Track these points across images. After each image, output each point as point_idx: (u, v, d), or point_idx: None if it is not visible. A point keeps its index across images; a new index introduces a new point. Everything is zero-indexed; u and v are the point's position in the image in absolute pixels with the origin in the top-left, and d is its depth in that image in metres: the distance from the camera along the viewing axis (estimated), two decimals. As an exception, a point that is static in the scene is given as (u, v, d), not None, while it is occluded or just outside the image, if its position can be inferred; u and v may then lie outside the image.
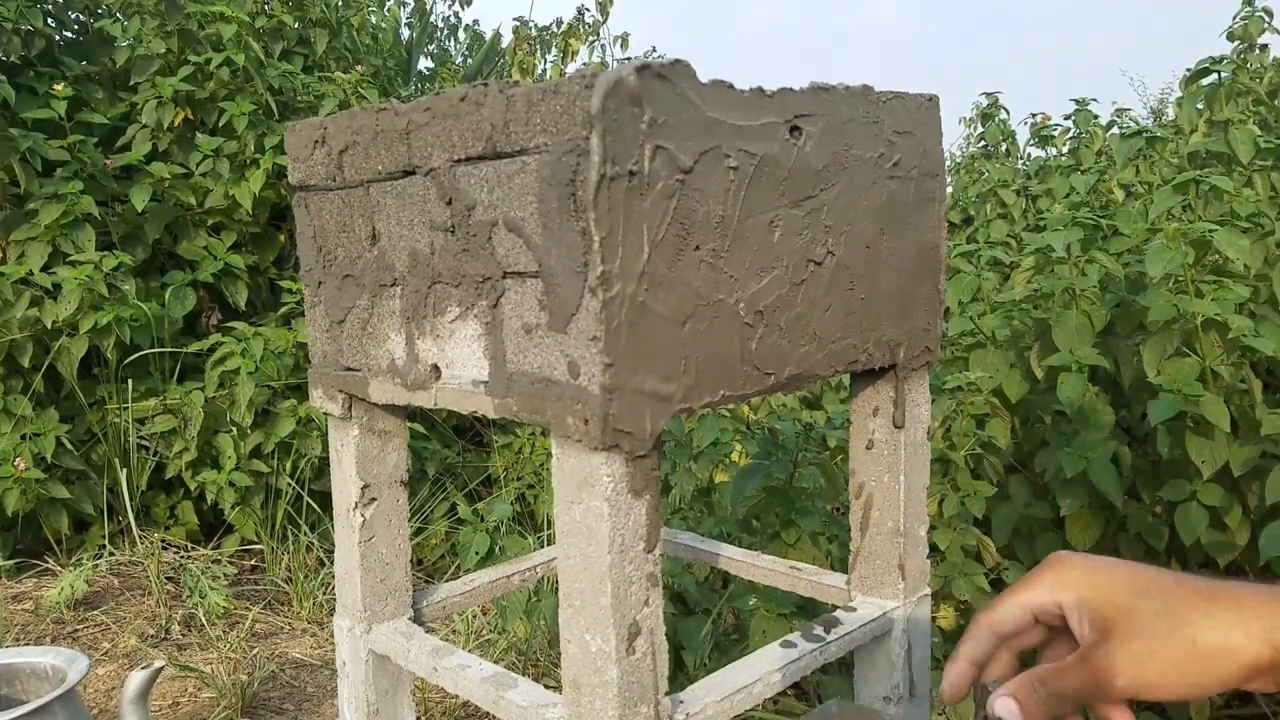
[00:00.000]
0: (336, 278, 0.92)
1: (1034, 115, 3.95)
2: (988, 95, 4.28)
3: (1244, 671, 0.54)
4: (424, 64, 5.48)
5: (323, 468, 2.83)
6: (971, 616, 1.69)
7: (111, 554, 2.78)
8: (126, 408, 2.82)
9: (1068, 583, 0.60)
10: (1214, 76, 2.52)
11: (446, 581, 1.14)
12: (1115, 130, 3.62)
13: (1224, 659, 0.54)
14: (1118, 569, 0.60)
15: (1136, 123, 3.96)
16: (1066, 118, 3.71)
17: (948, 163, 3.03)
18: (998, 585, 1.78)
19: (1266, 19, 3.15)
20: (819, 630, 0.93)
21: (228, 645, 2.30)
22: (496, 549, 2.07)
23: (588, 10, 5.30)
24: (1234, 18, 3.20)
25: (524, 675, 1.02)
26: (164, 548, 2.76)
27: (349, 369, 0.93)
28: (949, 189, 4.04)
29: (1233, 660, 0.54)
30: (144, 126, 3.12)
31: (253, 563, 2.87)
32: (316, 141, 0.91)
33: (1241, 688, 0.56)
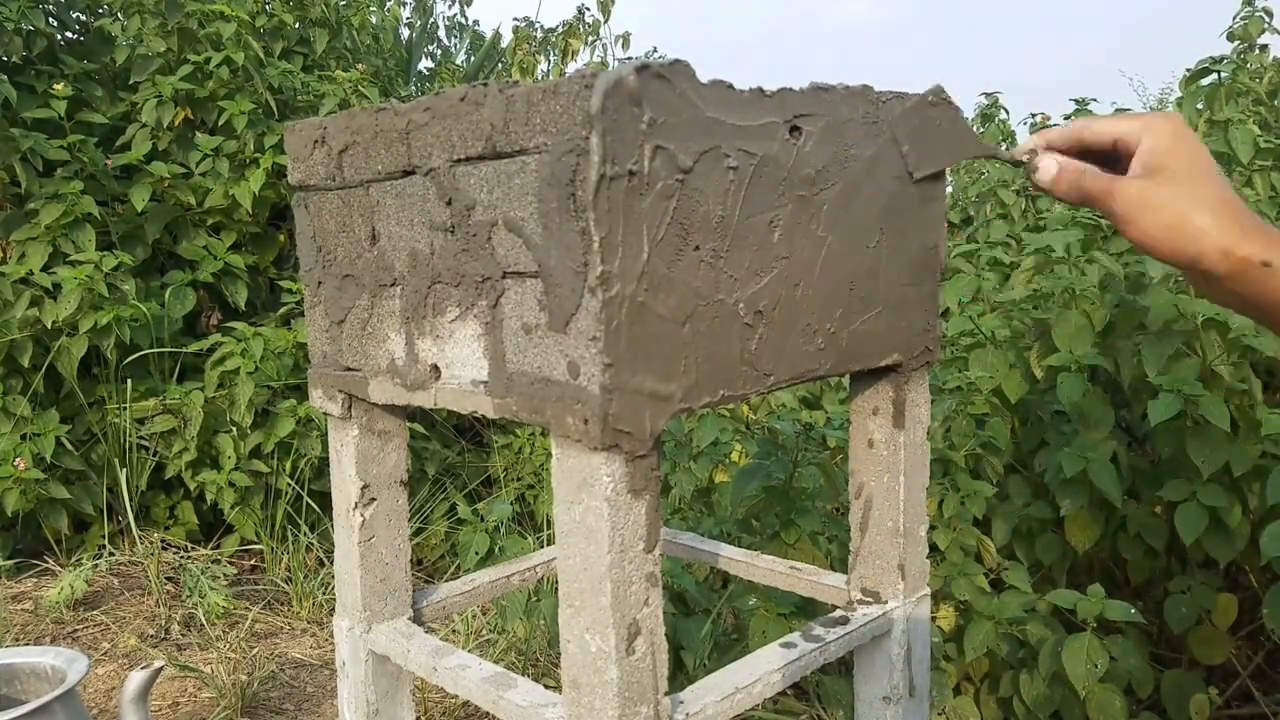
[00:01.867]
0: (336, 278, 0.92)
1: (1034, 115, 3.95)
2: (987, 95, 4.28)
3: (1200, 263, 0.66)
4: (424, 64, 5.48)
5: (322, 468, 2.83)
6: (971, 616, 1.70)
7: (111, 554, 2.78)
8: (126, 408, 2.82)
9: (1156, 128, 0.71)
10: (1214, 76, 2.52)
11: (446, 581, 1.14)
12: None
13: (1193, 244, 0.66)
14: (1195, 149, 0.70)
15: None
16: (1066, 118, 3.71)
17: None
18: (997, 585, 1.78)
19: (1266, 19, 3.15)
20: (819, 630, 0.93)
21: (227, 645, 2.30)
22: (496, 549, 2.07)
23: (588, 10, 5.30)
24: (1234, 18, 3.20)
25: (524, 675, 1.02)
26: (164, 548, 2.76)
27: (349, 369, 0.93)
28: (949, 189, 4.04)
29: (1197, 248, 0.66)
30: (144, 126, 3.12)
31: (252, 563, 2.87)
32: (316, 141, 0.91)
33: (1194, 272, 0.68)
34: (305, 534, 2.75)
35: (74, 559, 2.75)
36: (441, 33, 5.98)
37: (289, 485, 2.79)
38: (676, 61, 0.67)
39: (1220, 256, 0.65)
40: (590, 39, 5.31)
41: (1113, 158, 0.74)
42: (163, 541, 2.80)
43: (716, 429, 2.14)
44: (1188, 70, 2.61)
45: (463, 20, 6.05)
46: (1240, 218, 0.66)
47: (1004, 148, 0.83)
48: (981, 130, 4.32)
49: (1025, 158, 0.78)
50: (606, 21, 5.29)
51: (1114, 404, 1.83)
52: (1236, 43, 3.21)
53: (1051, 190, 0.75)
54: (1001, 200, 3.30)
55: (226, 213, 3.17)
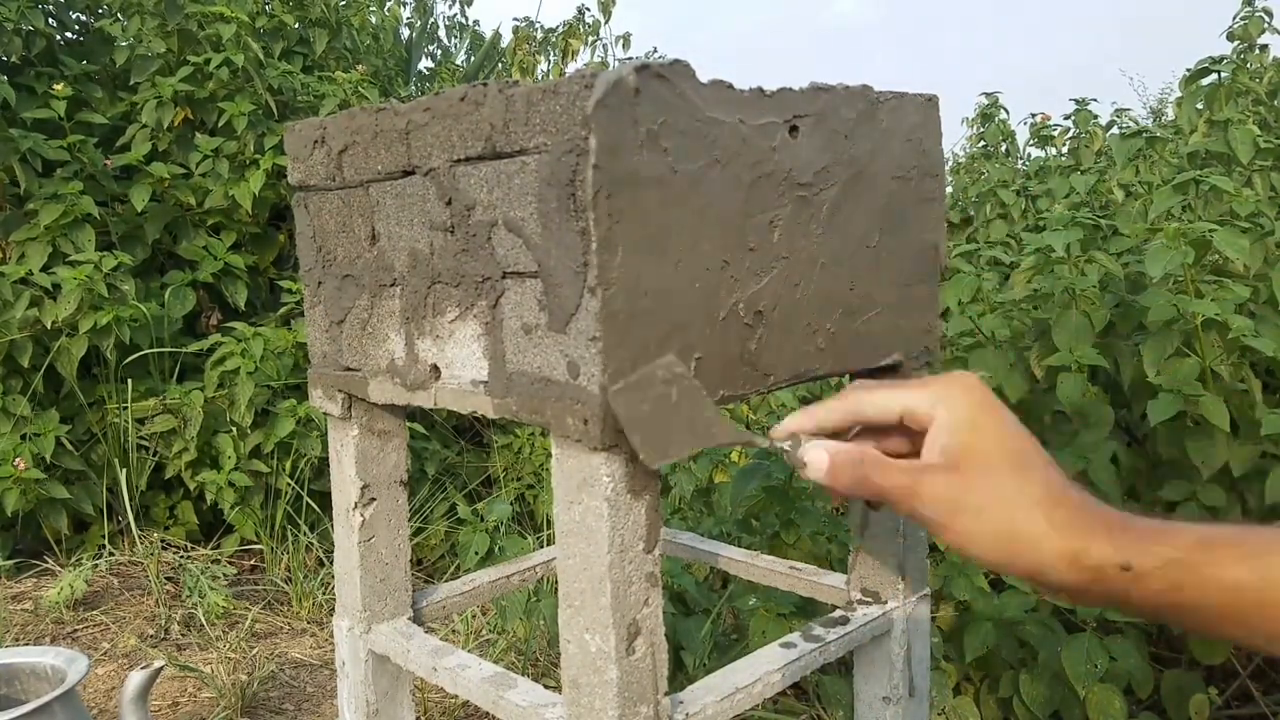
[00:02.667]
0: (336, 278, 0.92)
1: (1034, 115, 3.95)
2: (987, 95, 4.28)
3: (1044, 576, 0.54)
4: (424, 64, 5.48)
5: (322, 468, 2.83)
6: (971, 616, 1.69)
7: (111, 554, 2.78)
8: (126, 408, 2.81)
9: (954, 401, 0.58)
10: (1214, 76, 2.52)
11: (446, 581, 1.14)
12: (1115, 130, 3.62)
13: (1031, 552, 0.54)
14: (1008, 426, 0.57)
15: (1136, 123, 3.96)
16: (1066, 118, 3.71)
17: (948, 163, 3.03)
18: (997, 585, 1.78)
19: (1266, 19, 3.15)
20: (818, 630, 0.93)
21: (227, 645, 2.30)
22: (496, 549, 2.07)
23: (588, 10, 5.30)
24: (1234, 18, 3.20)
25: (523, 675, 1.02)
26: (163, 548, 2.76)
27: (348, 369, 0.93)
28: (949, 189, 4.04)
29: (1036, 557, 0.54)
30: (144, 126, 3.12)
31: (252, 563, 2.87)
32: (316, 141, 0.91)
33: (1036, 585, 0.56)
34: (305, 534, 2.75)
35: (74, 559, 2.75)
36: (441, 33, 5.98)
37: (289, 485, 2.79)
38: (676, 61, 0.67)
39: (1067, 566, 0.53)
40: (590, 39, 5.31)
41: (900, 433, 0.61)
42: (163, 541, 2.80)
43: (716, 429, 2.13)
44: (1188, 70, 2.61)
45: (463, 20, 6.05)
46: (1079, 512, 0.55)
47: (759, 433, 0.67)
48: (981, 130, 4.31)
49: (786, 445, 0.62)
50: (607, 22, 5.29)
51: (1114, 404, 1.83)
52: (1236, 43, 3.21)
53: (830, 486, 0.59)
54: (1001, 200, 3.30)
55: (226, 213, 3.17)
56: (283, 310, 3.15)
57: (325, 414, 0.98)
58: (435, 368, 0.82)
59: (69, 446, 2.79)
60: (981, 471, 0.55)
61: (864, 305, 0.85)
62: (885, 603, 0.97)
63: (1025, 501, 0.54)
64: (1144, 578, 0.52)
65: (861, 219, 0.83)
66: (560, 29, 5.27)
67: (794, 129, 0.76)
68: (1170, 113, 6.28)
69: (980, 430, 0.57)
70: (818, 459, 0.60)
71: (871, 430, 0.62)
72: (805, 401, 2.51)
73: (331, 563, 2.48)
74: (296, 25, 3.62)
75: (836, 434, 0.62)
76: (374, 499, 0.99)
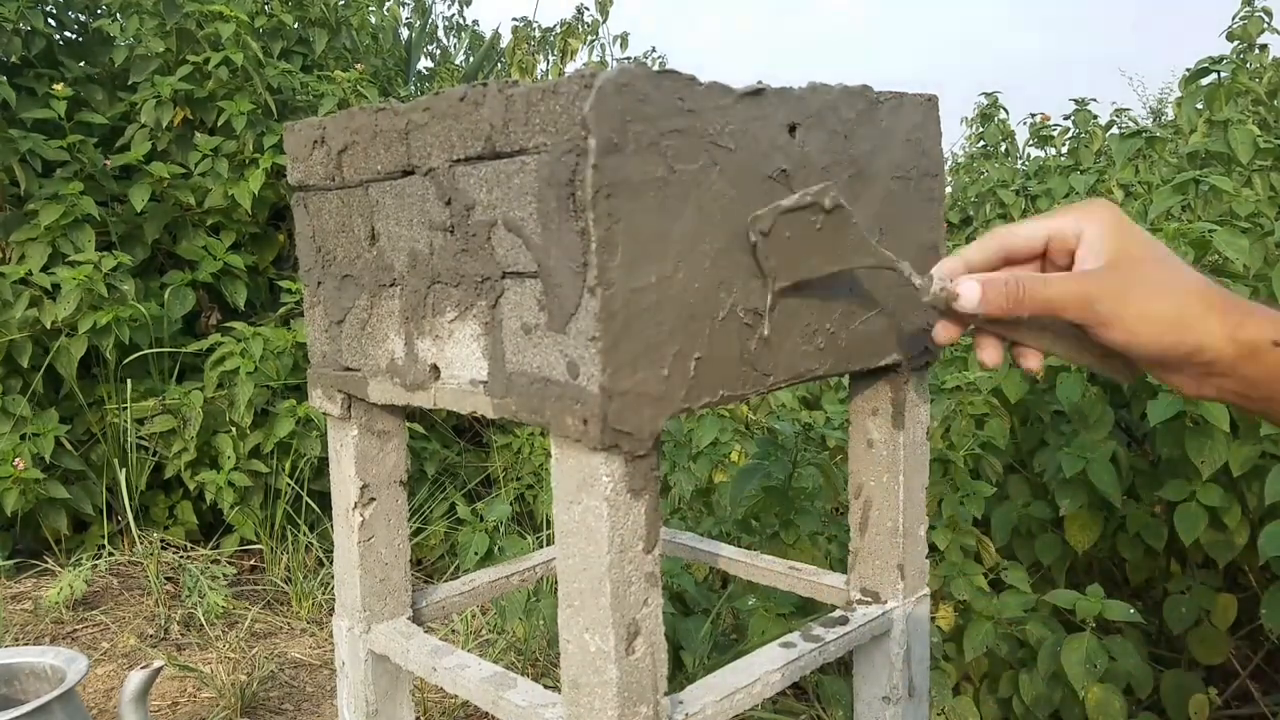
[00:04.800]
0: (335, 278, 0.92)
1: (1033, 115, 3.95)
2: (987, 95, 4.28)
3: (1201, 354, 0.59)
4: (423, 64, 5.48)
5: (322, 468, 2.83)
6: (971, 616, 1.70)
7: (110, 554, 2.78)
8: (125, 408, 2.81)
9: (1097, 217, 0.62)
10: (1213, 76, 2.52)
11: (446, 581, 1.14)
12: (1114, 130, 3.62)
13: (1193, 333, 0.59)
14: (1148, 236, 0.62)
15: (1136, 123, 3.97)
16: (1066, 118, 3.71)
17: (948, 163, 3.03)
18: (997, 585, 1.78)
19: (1266, 19, 3.15)
20: (818, 630, 0.93)
21: (227, 645, 2.30)
22: (495, 549, 2.07)
23: (587, 10, 5.29)
24: (1234, 18, 3.20)
25: (523, 675, 1.02)
26: (163, 548, 2.76)
27: (348, 369, 0.93)
28: (949, 189, 4.04)
29: (1197, 337, 0.59)
30: (143, 126, 3.12)
31: (252, 563, 2.87)
32: (315, 141, 0.91)
33: (1187, 363, 0.61)
34: (305, 534, 2.75)
35: (73, 559, 2.75)
36: (440, 33, 5.98)
37: (288, 485, 2.79)
38: (673, 71, 0.67)
39: (1226, 341, 0.59)
40: (589, 39, 5.31)
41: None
42: (162, 541, 2.80)
43: (716, 429, 2.14)
44: (1187, 70, 2.61)
45: (462, 20, 6.05)
46: (1229, 298, 0.60)
47: (908, 268, 0.71)
48: (981, 130, 4.32)
49: (938, 288, 0.66)
50: (605, 21, 5.29)
51: (1114, 404, 1.83)
52: (1236, 43, 3.21)
53: (984, 312, 0.64)
54: (1001, 200, 3.30)
55: (226, 213, 3.17)
56: (282, 310, 3.15)
57: (325, 414, 0.98)
58: (435, 368, 0.82)
59: (68, 446, 2.79)
60: (1140, 268, 0.61)
61: (864, 305, 0.85)
62: (885, 602, 0.97)
63: (1184, 289, 0.60)
64: None
65: (861, 219, 0.83)
66: (559, 29, 5.27)
67: (793, 129, 0.76)
68: (1170, 113, 6.28)
69: (1130, 237, 0.62)
70: (969, 289, 0.64)
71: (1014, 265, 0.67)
72: (805, 401, 2.51)
73: (331, 563, 2.48)
74: (295, 25, 3.62)
75: (975, 271, 0.67)
76: (373, 499, 0.99)
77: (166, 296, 2.98)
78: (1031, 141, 3.90)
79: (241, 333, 2.83)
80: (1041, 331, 0.67)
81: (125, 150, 3.11)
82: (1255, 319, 0.59)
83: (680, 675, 1.71)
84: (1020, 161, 4.28)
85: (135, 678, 1.42)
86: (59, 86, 3.00)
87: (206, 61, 3.12)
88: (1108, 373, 0.68)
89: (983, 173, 4.03)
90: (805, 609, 1.67)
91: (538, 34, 5.20)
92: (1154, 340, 0.60)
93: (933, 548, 1.73)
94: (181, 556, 2.73)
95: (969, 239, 3.19)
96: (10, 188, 2.90)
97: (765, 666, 0.86)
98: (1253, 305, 0.61)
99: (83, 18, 3.56)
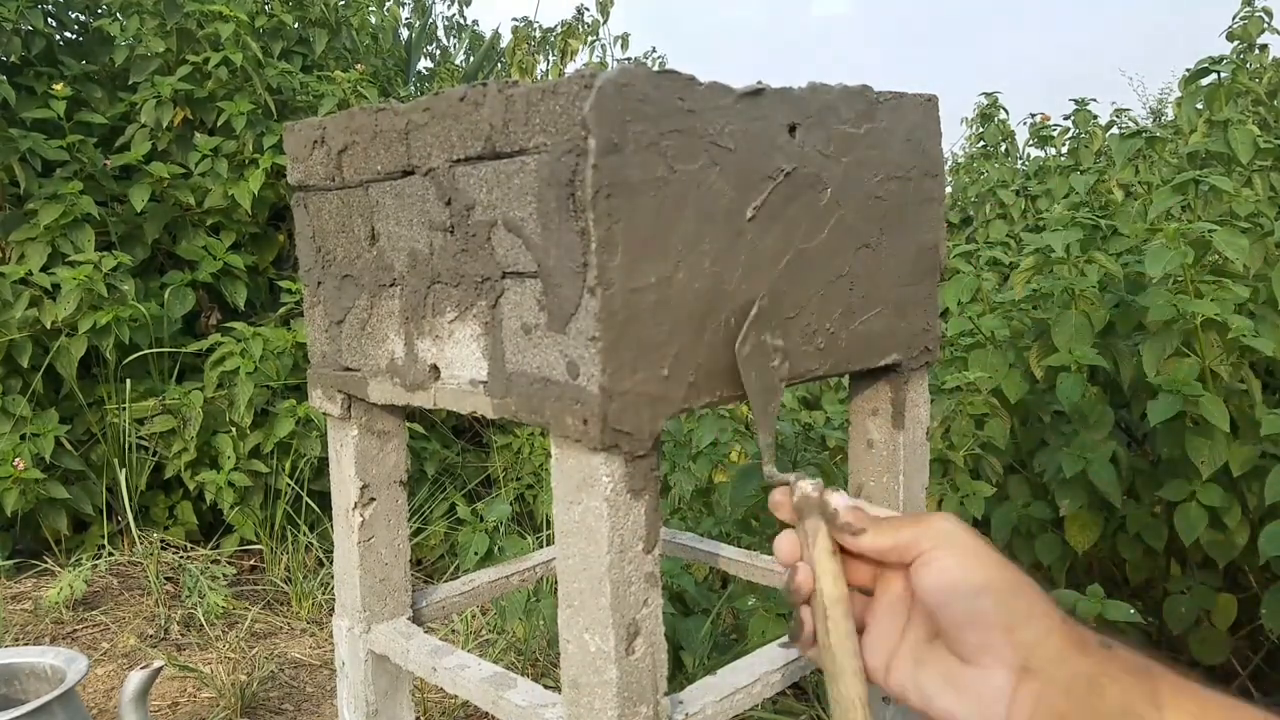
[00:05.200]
0: (335, 278, 0.92)
1: (1033, 115, 3.95)
2: (987, 95, 4.28)
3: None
4: (423, 64, 5.48)
5: (322, 468, 2.83)
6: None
7: (110, 554, 2.78)
8: (125, 408, 2.81)
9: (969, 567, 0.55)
10: (1213, 76, 2.52)
11: (446, 581, 1.14)
12: (1114, 130, 3.62)
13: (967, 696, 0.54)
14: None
15: (1136, 123, 3.97)
16: (1066, 118, 3.71)
17: (948, 163, 3.03)
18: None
19: (1266, 19, 3.15)
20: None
21: (227, 645, 2.30)
22: (495, 549, 2.07)
23: (587, 10, 5.29)
24: (1234, 18, 3.20)
25: (523, 675, 1.02)
26: (163, 548, 2.76)
27: (348, 369, 0.93)
28: (949, 189, 4.04)
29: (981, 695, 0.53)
30: (143, 126, 3.12)
31: (252, 563, 2.87)
32: (315, 141, 0.91)
33: None
34: (305, 534, 2.75)
35: (73, 559, 2.75)
36: (440, 33, 5.98)
37: (288, 485, 2.79)
38: (673, 71, 0.67)
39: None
40: (589, 39, 5.31)
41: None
42: (162, 541, 2.80)
43: (716, 429, 2.14)
44: (1187, 70, 2.61)
45: (462, 20, 6.05)
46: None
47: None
48: (981, 130, 4.32)
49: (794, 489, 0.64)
50: (605, 22, 5.28)
51: (1114, 404, 1.83)
52: (1236, 43, 3.21)
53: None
54: (1001, 200, 3.30)
55: (226, 213, 3.17)
56: (282, 310, 3.15)
57: (325, 414, 0.98)
58: (435, 368, 0.82)
59: (68, 446, 2.79)
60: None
61: (864, 305, 0.85)
62: (885, 603, 0.97)
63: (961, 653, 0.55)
64: None
65: (861, 218, 0.83)
66: (559, 29, 5.27)
67: (793, 129, 0.76)
68: (1170, 113, 6.28)
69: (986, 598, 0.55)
70: (814, 484, 0.63)
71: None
72: (805, 401, 2.51)
73: (331, 563, 2.48)
74: (295, 25, 3.62)
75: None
76: (373, 499, 0.99)
77: (166, 296, 2.98)
78: (1031, 141, 3.90)
79: (241, 333, 2.83)
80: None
81: (125, 150, 3.11)
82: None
83: (680, 675, 1.71)
84: (1020, 161, 4.28)
85: (135, 678, 1.42)
86: (59, 86, 3.00)
87: (206, 61, 3.12)
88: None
89: (983, 173, 4.03)
90: (805, 609, 1.66)
91: (538, 34, 5.20)
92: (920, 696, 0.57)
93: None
94: (181, 556, 2.73)
95: (969, 239, 3.20)
96: (10, 187, 2.90)
97: (765, 666, 0.86)
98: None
99: (83, 17, 3.56)
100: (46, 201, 2.83)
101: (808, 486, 0.63)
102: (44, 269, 2.79)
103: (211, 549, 2.83)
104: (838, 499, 0.62)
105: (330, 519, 1.02)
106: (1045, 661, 0.52)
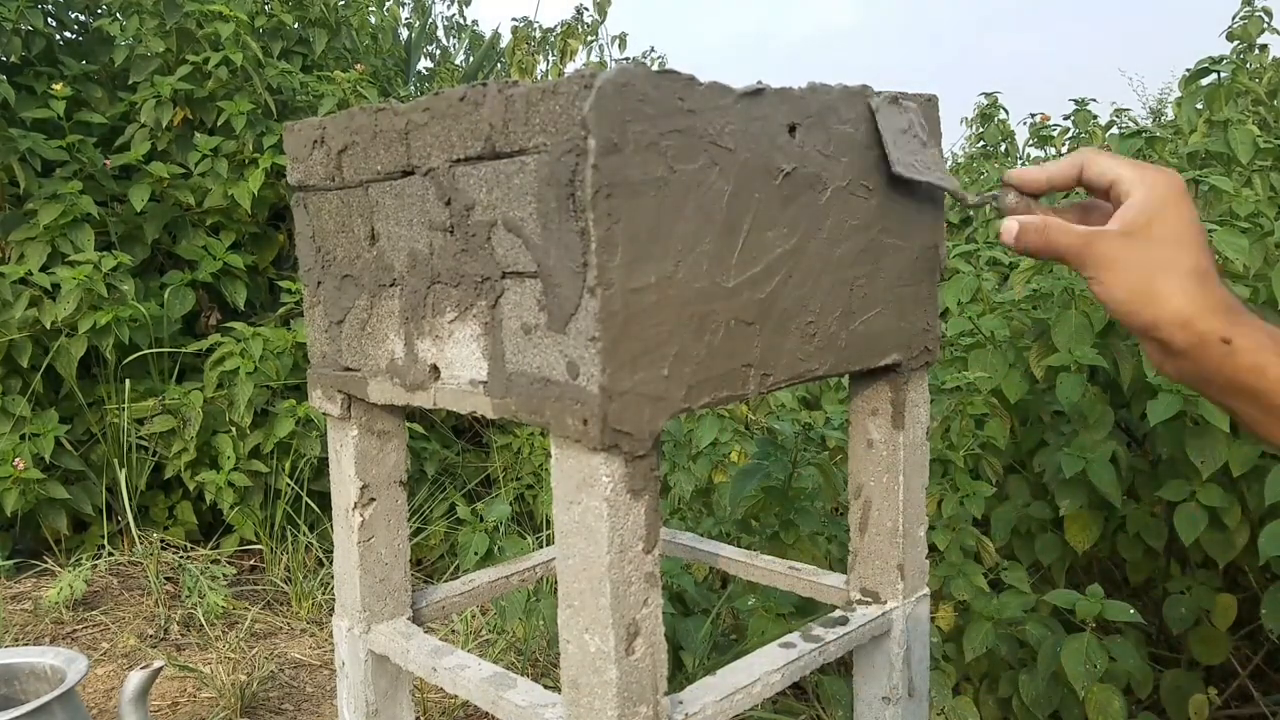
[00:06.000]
0: (335, 278, 0.92)
1: (1033, 115, 3.95)
2: (987, 95, 4.28)
3: (1157, 330, 0.64)
4: (423, 64, 5.48)
5: (322, 468, 2.83)
6: (971, 616, 1.70)
7: (110, 554, 2.78)
8: (125, 408, 2.81)
9: (1152, 185, 0.67)
10: (1213, 76, 2.52)
11: (445, 581, 1.14)
12: (1114, 130, 3.62)
13: (1154, 308, 0.64)
14: (1186, 220, 0.66)
15: (1136, 123, 3.96)
16: (1066, 118, 3.71)
17: (948, 163, 3.02)
18: (996, 585, 1.78)
19: (1266, 19, 3.15)
20: (818, 630, 0.93)
21: (227, 645, 2.30)
22: (495, 549, 2.07)
23: (586, 10, 5.29)
24: (1233, 18, 3.20)
25: (523, 675, 1.02)
26: (163, 548, 2.76)
27: (348, 369, 0.93)
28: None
29: (1156, 312, 0.64)
30: (143, 126, 3.12)
31: (252, 563, 2.87)
32: (315, 141, 0.91)
33: (1147, 339, 0.67)
34: (305, 534, 2.75)
35: (73, 559, 2.74)
36: (440, 33, 5.98)
37: (288, 485, 2.79)
38: (673, 71, 0.67)
39: (1178, 327, 0.63)
40: (589, 39, 5.31)
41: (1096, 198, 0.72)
42: (162, 541, 2.80)
43: (716, 429, 2.13)
44: (1187, 70, 2.61)
45: (461, 20, 6.05)
46: (1210, 292, 0.64)
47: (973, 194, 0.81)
48: (981, 130, 4.32)
49: (1006, 198, 0.76)
50: (603, 21, 5.28)
51: (1113, 404, 1.83)
52: (1236, 43, 3.21)
53: (1017, 249, 0.73)
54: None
55: (226, 213, 3.17)
56: (282, 310, 3.15)
57: (325, 414, 0.98)
58: (435, 368, 0.82)
59: (68, 446, 2.79)
60: (1145, 240, 0.66)
61: (863, 305, 0.85)
62: (884, 603, 0.97)
63: (1168, 270, 0.64)
64: (1237, 353, 0.62)
65: (861, 219, 0.83)
66: (559, 29, 5.27)
67: (793, 129, 0.76)
68: (1169, 113, 6.28)
69: (1162, 212, 0.66)
70: (1008, 225, 0.72)
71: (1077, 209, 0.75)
72: (805, 401, 2.51)
73: (331, 563, 2.48)
74: (295, 25, 3.61)
75: (1057, 189, 0.75)
76: (373, 499, 0.99)
77: (166, 296, 2.98)
78: (1031, 141, 3.90)
79: (241, 333, 2.83)
80: None
81: (125, 150, 3.10)
82: (1219, 314, 0.63)
83: (680, 675, 1.71)
84: (1020, 162, 4.28)
85: (135, 678, 1.42)
86: (59, 86, 2.99)
87: (206, 61, 3.12)
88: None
89: (983, 173, 4.02)
90: (805, 609, 1.66)
91: (538, 34, 5.20)
92: (1122, 302, 0.66)
93: (933, 548, 1.73)
94: (181, 556, 2.73)
95: (969, 239, 3.20)
96: (9, 187, 2.90)
97: (765, 666, 0.86)
98: (1236, 308, 0.64)
99: (83, 17, 3.56)
100: (46, 201, 2.82)
101: (1010, 200, 0.76)
102: (44, 269, 2.79)
103: (211, 549, 2.83)
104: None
105: (330, 519, 1.02)
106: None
